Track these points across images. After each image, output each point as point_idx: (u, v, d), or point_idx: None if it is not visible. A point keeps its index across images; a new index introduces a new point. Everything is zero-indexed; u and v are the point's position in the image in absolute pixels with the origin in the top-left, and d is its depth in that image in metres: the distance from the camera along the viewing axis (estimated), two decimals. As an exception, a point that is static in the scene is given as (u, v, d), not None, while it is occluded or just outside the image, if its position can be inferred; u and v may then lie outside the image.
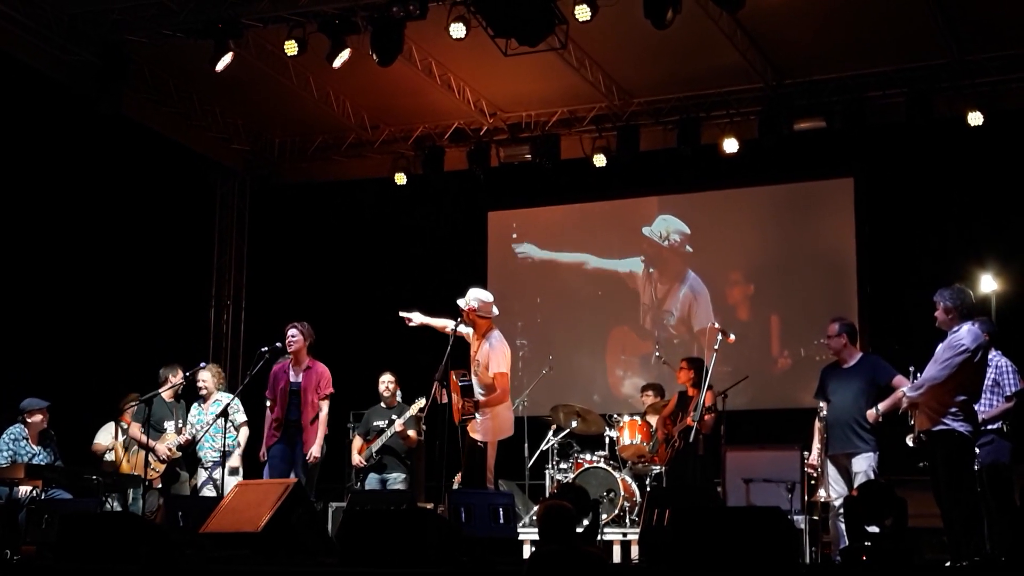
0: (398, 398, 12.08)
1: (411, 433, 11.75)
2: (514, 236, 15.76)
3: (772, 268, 14.53)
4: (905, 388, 8.76)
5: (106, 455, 11.95)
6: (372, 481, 11.86)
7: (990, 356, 9.17)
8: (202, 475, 11.45)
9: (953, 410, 8.27)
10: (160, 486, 11.45)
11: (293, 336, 10.67)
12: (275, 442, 10.58)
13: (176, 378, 11.63)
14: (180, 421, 11.70)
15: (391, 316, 15.17)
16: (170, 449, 11.38)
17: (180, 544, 8.57)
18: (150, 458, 11.26)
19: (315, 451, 10.60)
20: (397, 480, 11.83)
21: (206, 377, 11.65)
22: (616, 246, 15.22)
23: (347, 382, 12.01)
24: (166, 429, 11.54)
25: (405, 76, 13.14)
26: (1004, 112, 13.01)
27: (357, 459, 12.00)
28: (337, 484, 12.83)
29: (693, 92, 13.91)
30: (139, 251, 13.93)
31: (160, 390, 11.43)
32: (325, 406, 10.73)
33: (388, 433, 11.75)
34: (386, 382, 12.05)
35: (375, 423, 11.97)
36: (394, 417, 11.79)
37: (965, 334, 8.30)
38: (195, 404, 11.72)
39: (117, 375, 12.62)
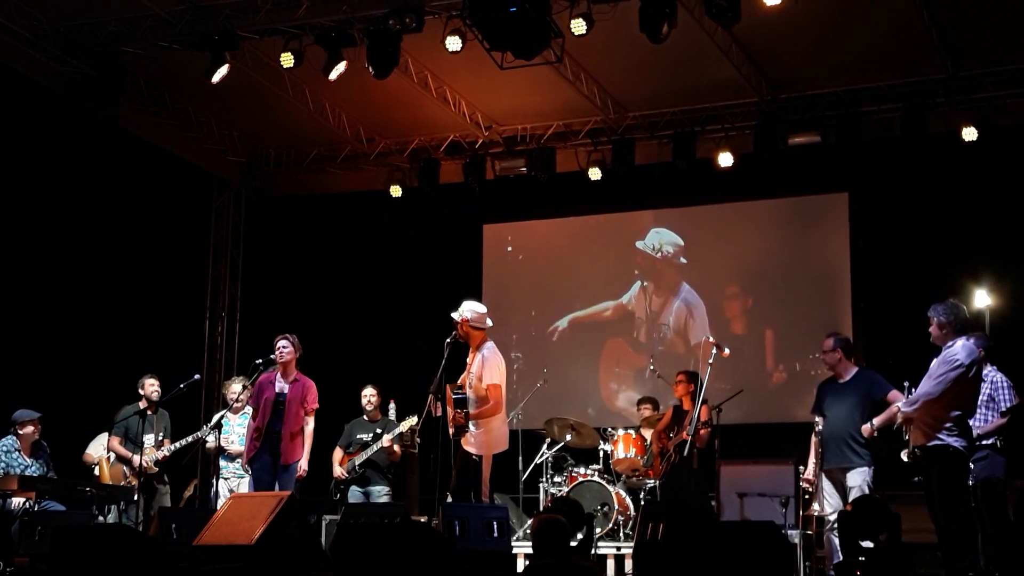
0: (391, 412, 12.07)
1: (396, 448, 11.77)
2: (509, 249, 15.77)
3: (767, 282, 14.54)
4: (900, 403, 8.77)
5: (94, 468, 11.90)
6: (354, 494, 11.86)
7: (985, 371, 9.19)
8: (220, 485, 11.46)
9: (948, 425, 8.29)
10: (136, 498, 11.39)
11: (284, 347, 10.64)
12: (256, 452, 10.50)
13: (143, 390, 11.60)
14: (162, 433, 11.68)
15: (385, 328, 15.32)
16: (147, 463, 11.36)
17: (173, 556, 8.56)
18: (126, 470, 11.30)
19: (303, 465, 10.55)
20: (380, 493, 11.85)
21: (237, 389, 11.66)
22: (611, 260, 15.24)
23: (340, 395, 12.01)
24: (144, 443, 11.51)
25: (401, 89, 13.15)
26: (998, 127, 13.05)
27: (339, 471, 11.98)
28: (326, 497, 12.82)
29: (688, 106, 13.93)
30: (133, 262, 13.92)
31: (141, 404, 11.45)
32: (311, 421, 10.66)
33: (374, 447, 11.75)
34: (368, 396, 12.06)
35: (358, 436, 11.97)
36: (379, 431, 11.80)
37: (959, 349, 8.32)
38: (225, 413, 11.73)
39: (110, 386, 12.58)
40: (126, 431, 11.37)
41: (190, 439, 11.59)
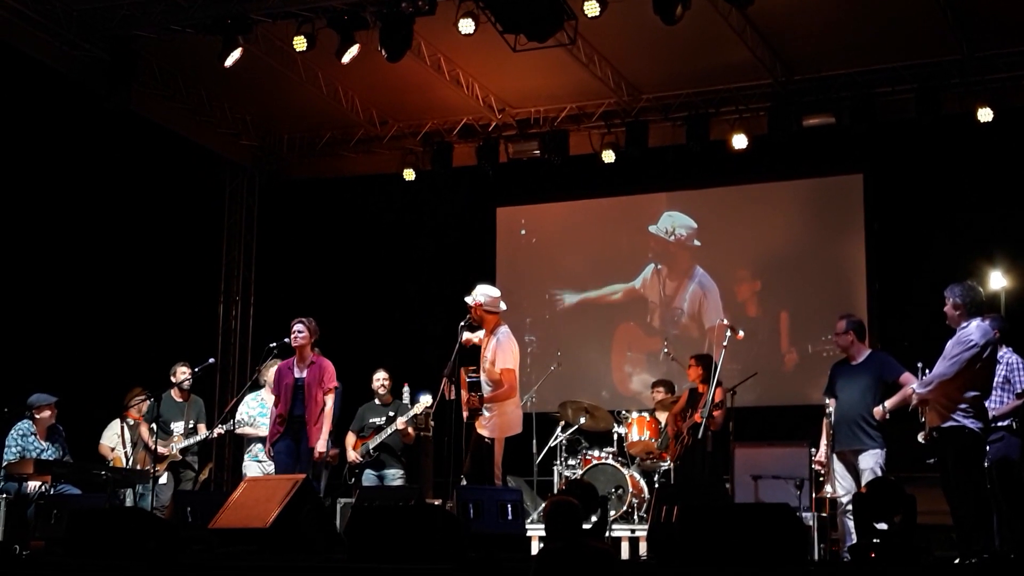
0: (405, 396, 12.07)
1: (410, 430, 11.77)
2: (522, 232, 15.75)
3: (781, 265, 14.51)
4: (914, 385, 8.75)
5: (109, 463, 11.89)
6: (369, 477, 11.86)
7: (1001, 353, 9.15)
8: (253, 467, 11.49)
9: (963, 406, 8.27)
10: (165, 482, 11.48)
11: (299, 331, 10.60)
12: (278, 438, 10.50)
13: (175, 377, 11.66)
14: (192, 421, 11.74)
15: (399, 312, 15.34)
16: (169, 449, 11.44)
17: (188, 539, 8.60)
18: (154, 454, 11.38)
19: (320, 446, 10.46)
20: (395, 476, 11.85)
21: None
22: (625, 243, 15.21)
23: (354, 378, 12.00)
24: (173, 431, 11.59)
25: (414, 72, 13.13)
26: (1014, 108, 12.98)
27: (353, 455, 11.96)
28: (340, 481, 12.85)
29: (702, 88, 13.89)
30: (148, 247, 13.94)
31: (173, 391, 11.58)
32: (329, 400, 10.55)
33: (388, 430, 11.74)
34: (380, 379, 12.04)
35: (371, 420, 11.95)
36: (391, 414, 11.79)
37: (974, 330, 8.30)
38: (258, 393, 11.72)
39: (125, 371, 12.63)
40: (158, 417, 11.38)
41: (220, 430, 11.60)
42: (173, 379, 11.72)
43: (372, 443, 11.82)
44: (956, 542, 8.35)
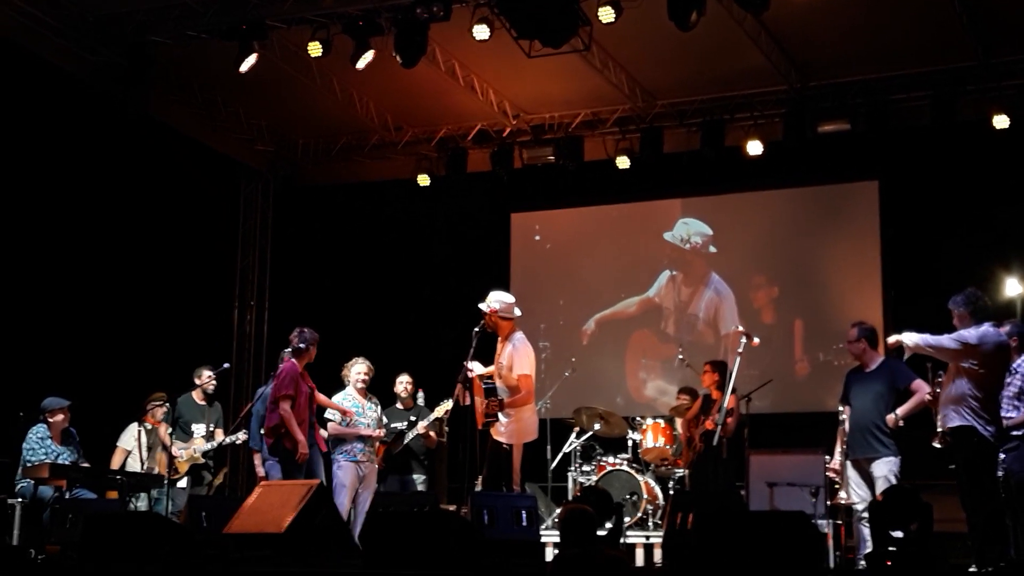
0: (419, 400, 12.04)
1: (432, 434, 11.74)
2: (537, 238, 15.75)
3: (796, 271, 14.49)
4: (912, 335, 8.73)
5: (127, 460, 11.89)
6: (392, 482, 11.85)
7: (1017, 363, 9.00)
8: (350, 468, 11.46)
9: (974, 406, 8.35)
10: (185, 486, 11.52)
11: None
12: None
13: (200, 380, 11.72)
14: (212, 424, 11.78)
15: (413, 317, 15.34)
16: (192, 453, 11.48)
17: (203, 544, 8.60)
18: (170, 457, 11.41)
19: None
20: (417, 481, 11.82)
21: (362, 369, 11.66)
22: (640, 249, 15.19)
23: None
24: (193, 432, 11.63)
25: (428, 78, 13.16)
26: (1030, 115, 12.95)
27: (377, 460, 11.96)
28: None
29: (717, 94, 13.89)
30: (163, 251, 13.97)
31: (194, 394, 11.74)
32: None
33: (410, 435, 11.72)
34: (404, 383, 11.99)
35: (393, 424, 11.93)
36: (413, 418, 11.76)
37: (973, 330, 8.37)
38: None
39: (141, 375, 12.64)
40: (176, 420, 11.42)
41: (243, 435, 11.61)
42: (197, 380, 11.75)
43: (395, 450, 11.73)
44: (972, 550, 8.33)
